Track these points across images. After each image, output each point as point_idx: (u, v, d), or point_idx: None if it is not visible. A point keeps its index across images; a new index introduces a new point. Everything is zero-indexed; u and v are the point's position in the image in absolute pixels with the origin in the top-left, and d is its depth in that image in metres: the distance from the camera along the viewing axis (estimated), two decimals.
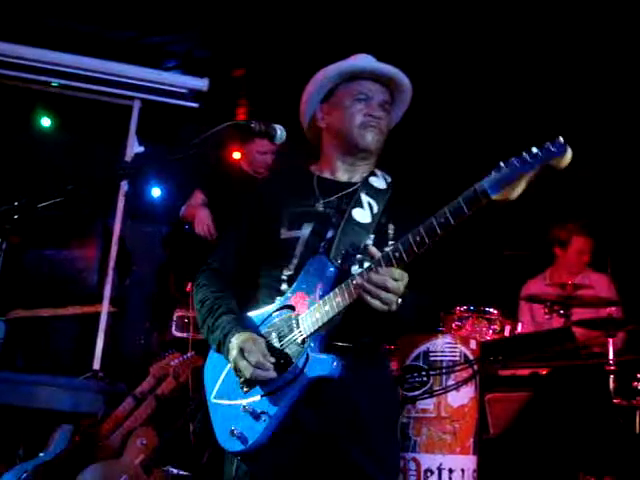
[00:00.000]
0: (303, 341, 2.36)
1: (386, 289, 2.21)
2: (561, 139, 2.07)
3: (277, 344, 2.41)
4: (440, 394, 2.98)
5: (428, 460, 2.97)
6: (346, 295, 2.30)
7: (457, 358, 3.04)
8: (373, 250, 2.29)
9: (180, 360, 4.38)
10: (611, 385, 4.43)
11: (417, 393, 3.01)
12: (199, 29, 5.71)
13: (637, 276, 5.81)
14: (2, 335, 4.76)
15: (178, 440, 4.37)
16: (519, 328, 4.73)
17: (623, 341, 5.20)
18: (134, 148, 5.46)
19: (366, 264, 2.29)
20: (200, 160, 5.21)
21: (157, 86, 5.59)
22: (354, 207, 2.54)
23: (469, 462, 3.02)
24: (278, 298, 2.49)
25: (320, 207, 2.58)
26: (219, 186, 5.13)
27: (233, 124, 2.74)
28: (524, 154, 2.10)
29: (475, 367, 3.01)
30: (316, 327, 2.34)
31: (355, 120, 2.57)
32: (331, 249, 2.46)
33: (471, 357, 3.06)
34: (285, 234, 2.55)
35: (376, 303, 2.22)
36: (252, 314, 2.54)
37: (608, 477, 4.08)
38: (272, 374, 2.34)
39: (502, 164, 2.12)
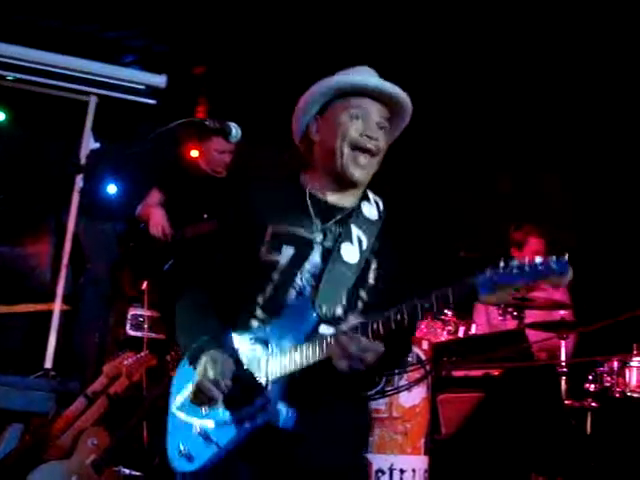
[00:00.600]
0: (266, 384, 2.28)
1: (359, 358, 2.13)
2: (565, 257, 1.99)
3: (243, 377, 2.31)
4: (392, 394, 2.99)
5: (380, 460, 2.98)
6: (317, 350, 2.21)
7: (409, 358, 3.05)
8: (351, 319, 2.21)
9: (134, 359, 4.34)
10: (563, 387, 4.49)
11: (370, 393, 3.01)
12: (158, 24, 5.66)
13: (589, 279, 5.89)
14: None
15: (130, 440, 4.33)
16: (473, 329, 4.77)
17: (574, 343, 5.27)
18: (89, 144, 5.39)
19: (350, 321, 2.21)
20: (157, 157, 5.17)
21: (114, 82, 5.53)
22: (343, 241, 2.39)
23: (420, 462, 3.04)
24: (254, 324, 2.37)
25: (311, 232, 2.41)
26: (176, 185, 5.10)
27: (188, 121, 2.73)
28: (526, 264, 2.00)
29: (427, 368, 3.03)
30: (282, 373, 2.26)
31: (348, 138, 2.39)
32: (317, 291, 2.33)
33: (423, 358, 3.07)
34: (264, 256, 2.39)
35: (343, 367, 2.15)
36: (230, 337, 2.42)
37: (559, 478, 4.13)
38: (216, 396, 2.26)
39: (501, 265, 2.02)
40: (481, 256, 5.77)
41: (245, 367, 2.32)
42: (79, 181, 5.32)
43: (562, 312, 4.90)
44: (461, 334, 4.66)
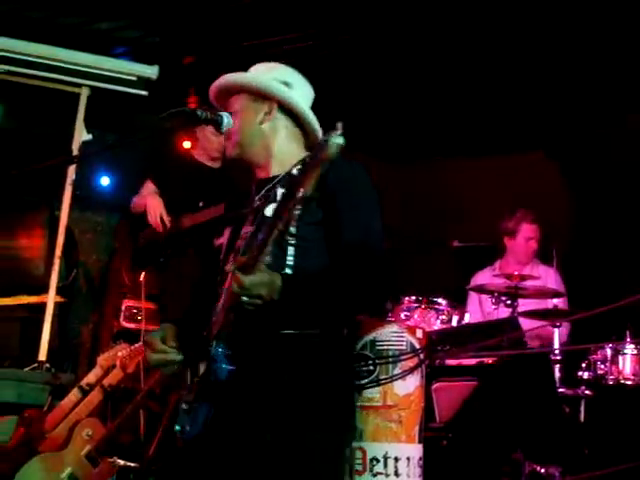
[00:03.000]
0: (209, 341, 2.42)
1: (251, 294, 2.25)
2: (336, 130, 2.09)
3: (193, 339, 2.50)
4: (386, 383, 2.99)
5: (374, 449, 2.97)
6: (227, 298, 2.38)
7: (404, 347, 3.05)
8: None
9: (128, 351, 4.35)
10: (556, 375, 4.51)
11: (364, 382, 3.01)
12: (148, 15, 5.64)
13: (583, 268, 5.91)
14: None
15: (125, 431, 4.34)
16: (467, 318, 4.78)
17: (569, 331, 5.29)
18: (82, 136, 5.37)
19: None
20: (150, 149, 5.16)
21: (105, 73, 5.51)
22: (268, 204, 2.50)
23: (415, 450, 3.03)
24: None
25: (247, 207, 2.60)
26: (170, 175, 5.09)
27: (179, 111, 2.72)
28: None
29: (421, 356, 3.03)
30: (217, 329, 2.40)
31: None
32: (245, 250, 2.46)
33: (417, 346, 3.07)
34: (216, 242, 2.66)
35: (244, 304, 2.28)
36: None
37: (553, 466, 4.14)
38: (171, 357, 2.48)
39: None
40: (474, 245, 5.79)
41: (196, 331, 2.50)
42: (72, 173, 5.31)
43: (555, 300, 4.91)
44: (455, 323, 4.68)
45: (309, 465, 2.37)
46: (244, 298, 2.25)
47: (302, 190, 2.09)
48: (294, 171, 2.53)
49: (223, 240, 2.63)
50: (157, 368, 2.56)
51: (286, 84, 2.65)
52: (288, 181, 2.25)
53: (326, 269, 2.43)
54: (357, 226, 2.46)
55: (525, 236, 5.48)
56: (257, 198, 2.59)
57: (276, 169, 2.61)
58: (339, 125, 2.08)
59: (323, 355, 2.44)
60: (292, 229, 2.34)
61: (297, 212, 2.14)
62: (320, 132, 2.67)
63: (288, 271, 2.39)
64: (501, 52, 5.56)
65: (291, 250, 2.42)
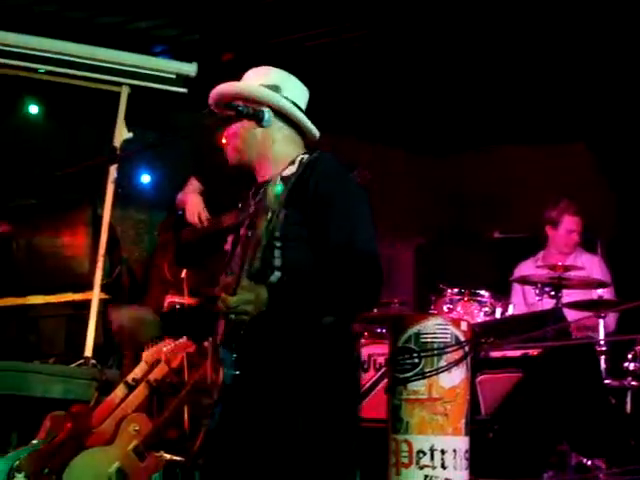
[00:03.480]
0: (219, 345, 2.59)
1: (237, 312, 2.41)
2: None
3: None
4: (431, 376, 2.98)
5: (420, 441, 2.96)
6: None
7: (448, 339, 3.03)
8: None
9: (173, 346, 4.38)
10: (602, 366, 4.46)
11: (409, 375, 3.00)
12: (187, 13, 5.68)
13: (630, 258, 5.84)
14: None
15: (171, 426, 4.38)
16: (510, 310, 4.75)
17: (616, 322, 5.23)
18: (123, 134, 5.43)
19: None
20: (191, 146, 5.19)
21: (145, 72, 5.56)
22: (260, 214, 2.58)
23: (461, 443, 3.02)
24: None
25: (245, 213, 2.74)
26: (211, 173, 5.12)
27: (224, 106, 2.75)
28: None
29: (466, 348, 3.01)
30: (224, 334, 2.55)
31: None
32: (244, 258, 2.57)
33: (462, 339, 3.05)
34: (225, 247, 2.80)
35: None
36: None
37: (599, 458, 4.11)
38: None
39: None
40: (516, 236, 5.75)
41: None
42: (113, 171, 5.36)
43: (600, 291, 4.85)
44: (498, 315, 4.65)
45: (311, 464, 2.48)
46: (231, 316, 2.41)
47: (257, 231, 2.32)
48: (285, 172, 2.61)
49: (228, 246, 2.76)
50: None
51: (275, 88, 2.72)
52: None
53: (313, 270, 2.51)
54: (343, 227, 2.52)
55: (567, 228, 5.43)
56: (254, 203, 2.69)
57: (273, 172, 2.67)
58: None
59: (318, 355, 2.53)
60: (276, 233, 2.49)
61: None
62: (314, 129, 2.76)
63: (277, 273, 2.47)
64: (545, 43, 5.52)
65: (277, 252, 2.50)
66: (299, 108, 2.74)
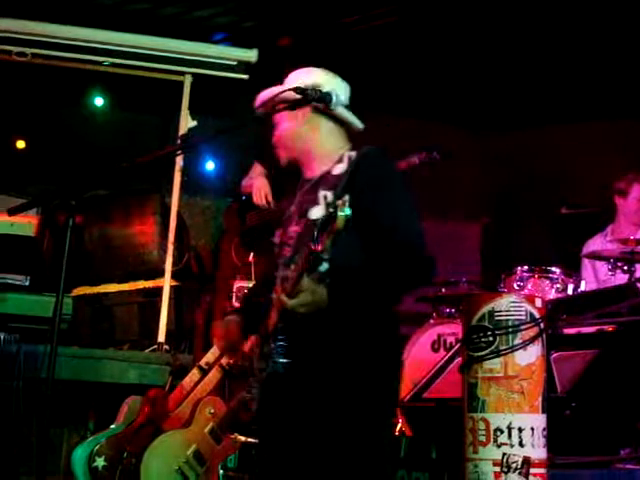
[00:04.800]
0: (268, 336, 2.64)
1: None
2: None
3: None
4: (507, 353, 2.97)
5: (497, 419, 2.96)
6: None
7: (523, 317, 3.01)
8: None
9: None
10: None
11: (483, 353, 2.99)
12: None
13: None
14: (70, 312, 4.86)
15: (245, 408, 4.43)
16: (582, 286, 4.67)
17: None
18: (187, 123, 5.48)
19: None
20: (255, 132, 5.22)
21: (207, 60, 5.60)
22: (311, 206, 2.66)
23: (538, 420, 3.01)
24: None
25: (292, 207, 2.79)
26: (273, 158, 5.13)
27: (290, 90, 2.76)
28: None
29: (542, 325, 2.98)
30: (272, 327, 2.61)
31: None
32: (292, 253, 2.65)
33: (537, 315, 3.03)
34: (273, 239, 2.84)
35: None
36: None
37: None
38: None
39: None
40: (583, 212, 5.65)
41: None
42: (180, 160, 5.43)
43: None
44: (570, 291, 4.58)
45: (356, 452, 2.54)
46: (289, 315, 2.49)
47: (320, 250, 2.31)
48: (335, 171, 2.69)
49: (277, 236, 2.83)
50: None
51: (315, 85, 2.76)
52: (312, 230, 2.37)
53: (362, 258, 2.56)
54: (388, 213, 2.59)
55: (636, 197, 5.32)
56: (299, 196, 2.79)
57: (318, 167, 2.78)
58: (346, 198, 2.27)
59: (367, 340, 2.60)
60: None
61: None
62: (358, 122, 2.83)
63: (325, 265, 2.49)
64: (604, 21, 5.41)
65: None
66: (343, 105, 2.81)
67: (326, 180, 2.70)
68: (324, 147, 2.80)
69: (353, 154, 2.72)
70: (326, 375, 2.55)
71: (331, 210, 2.26)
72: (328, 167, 2.74)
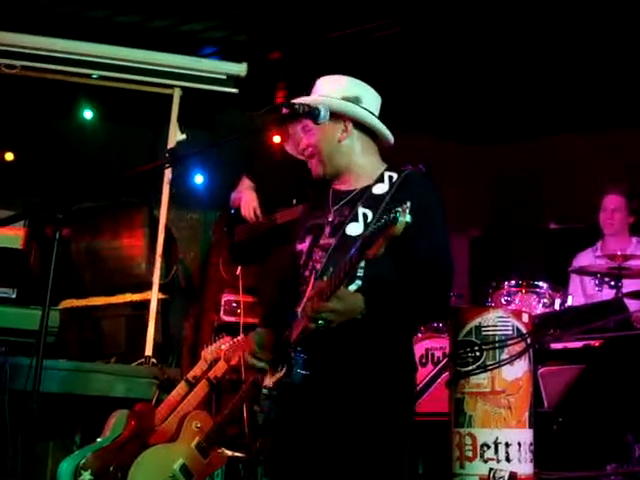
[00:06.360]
0: (290, 347, 2.62)
1: (319, 318, 2.47)
2: (399, 209, 2.21)
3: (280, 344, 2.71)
4: (494, 368, 2.97)
5: (484, 434, 2.96)
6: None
7: (510, 332, 3.02)
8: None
9: (231, 344, 4.43)
10: None
11: (470, 368, 3.00)
12: (234, 14, 5.71)
13: None
14: (57, 324, 4.84)
15: (232, 423, 4.42)
16: (569, 301, 4.69)
17: None
18: (176, 136, 5.49)
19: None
20: (243, 146, 5.22)
21: (196, 73, 5.61)
22: (350, 221, 2.68)
23: (525, 436, 3.01)
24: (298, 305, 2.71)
25: (325, 217, 2.77)
26: (264, 171, 5.14)
27: (277, 106, 2.76)
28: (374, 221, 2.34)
29: (529, 340, 2.99)
30: (297, 337, 2.59)
31: None
32: (324, 265, 2.64)
33: (524, 330, 3.03)
34: (297, 247, 2.81)
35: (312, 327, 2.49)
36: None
37: None
38: (258, 364, 2.71)
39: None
40: (572, 227, 5.67)
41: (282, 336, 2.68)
42: (169, 173, 5.42)
43: None
44: (557, 306, 4.59)
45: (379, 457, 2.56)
46: (320, 322, 2.46)
47: (372, 254, 2.28)
48: (376, 190, 2.69)
49: (304, 246, 2.78)
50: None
51: (356, 99, 2.78)
52: (363, 238, 2.35)
53: (395, 282, 2.58)
54: (429, 242, 2.60)
55: (605, 207, 5.33)
56: (334, 209, 2.76)
57: (354, 182, 2.78)
58: (408, 204, 2.23)
59: (391, 363, 2.63)
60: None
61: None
62: (390, 136, 2.84)
63: (358, 282, 2.51)
64: (602, 31, 5.45)
65: (363, 263, 2.50)
66: (377, 117, 2.82)
67: (366, 198, 2.69)
68: (360, 163, 2.80)
69: (394, 175, 2.72)
70: (346, 390, 2.57)
71: (392, 215, 2.23)
72: (366, 183, 2.74)
